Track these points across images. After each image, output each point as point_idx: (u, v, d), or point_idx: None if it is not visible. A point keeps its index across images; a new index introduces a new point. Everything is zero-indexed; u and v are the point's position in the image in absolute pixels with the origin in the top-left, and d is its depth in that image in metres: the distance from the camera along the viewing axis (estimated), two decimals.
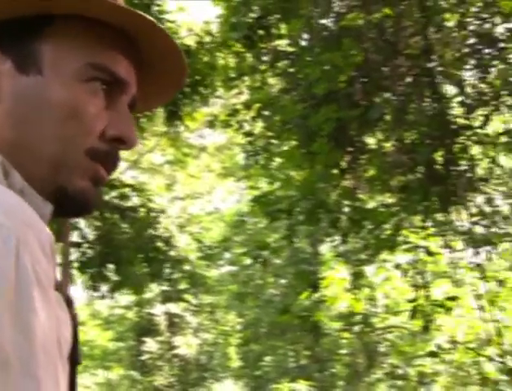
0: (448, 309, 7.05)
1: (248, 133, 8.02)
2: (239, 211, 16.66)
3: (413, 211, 7.18)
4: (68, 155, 0.88)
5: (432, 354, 7.77)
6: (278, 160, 7.69)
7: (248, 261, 14.94)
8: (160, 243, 8.34)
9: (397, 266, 7.93)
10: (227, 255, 17.68)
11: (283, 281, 12.96)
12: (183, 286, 16.17)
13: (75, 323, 0.87)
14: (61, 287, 0.87)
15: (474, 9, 7.79)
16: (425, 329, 7.12)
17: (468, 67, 7.69)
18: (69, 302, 0.87)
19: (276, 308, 11.97)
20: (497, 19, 7.72)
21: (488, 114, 7.02)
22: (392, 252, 7.55)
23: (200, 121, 10.60)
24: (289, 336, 13.66)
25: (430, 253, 7.34)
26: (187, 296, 17.74)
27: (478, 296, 7.73)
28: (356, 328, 10.45)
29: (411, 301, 7.27)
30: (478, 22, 7.75)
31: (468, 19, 7.73)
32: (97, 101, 0.90)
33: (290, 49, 8.02)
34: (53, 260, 0.84)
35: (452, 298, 7.10)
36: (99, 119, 0.90)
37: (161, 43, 0.93)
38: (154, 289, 16.47)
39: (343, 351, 11.51)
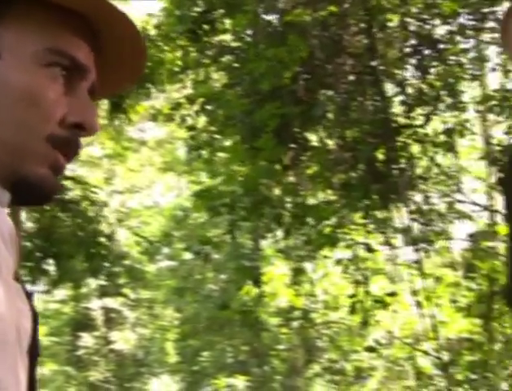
0: (387, 305, 7.17)
1: (191, 128, 7.98)
2: (179, 205, 16.59)
3: (354, 208, 7.27)
4: (27, 142, 0.85)
5: (370, 349, 7.89)
6: (221, 154, 7.68)
7: (187, 255, 14.89)
8: (102, 238, 8.24)
9: (337, 262, 8.02)
10: (167, 250, 17.58)
11: (223, 276, 12.97)
12: (121, 281, 16.01)
13: (35, 315, 0.85)
14: (21, 278, 0.84)
15: (414, 10, 7.93)
16: (364, 324, 7.23)
17: (409, 67, 7.83)
18: (28, 294, 0.84)
19: (215, 303, 11.97)
20: (437, 21, 7.87)
21: (429, 114, 7.15)
22: (333, 248, 7.63)
23: (142, 115, 10.50)
24: (227, 331, 13.69)
25: (369, 250, 7.44)
26: (125, 291, 17.58)
27: (415, 293, 7.88)
28: (295, 324, 10.54)
29: (351, 297, 7.37)
30: (418, 23, 7.88)
31: (409, 20, 7.86)
32: (56, 86, 0.87)
33: (235, 44, 8.01)
34: (12, 249, 0.82)
35: (391, 294, 7.23)
36: (59, 105, 0.87)
37: (120, 28, 0.91)
38: (91, 284, 16.27)
39: (282, 346, 11.60)
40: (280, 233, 8.03)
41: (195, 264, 14.07)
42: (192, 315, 15.68)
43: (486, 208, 8.62)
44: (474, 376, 8.13)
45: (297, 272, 8.58)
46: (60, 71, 0.88)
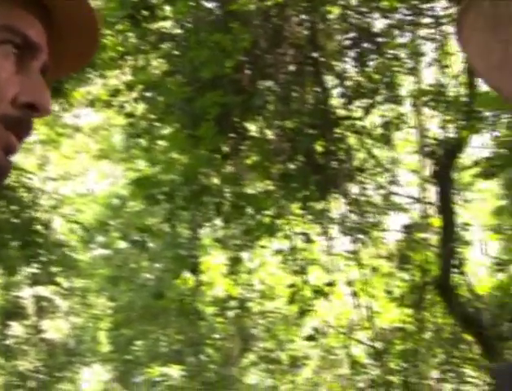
0: (326, 295, 7.26)
1: (129, 115, 7.88)
2: (114, 193, 16.38)
3: (293, 198, 7.32)
4: None
5: (310, 338, 7.98)
6: (160, 142, 7.61)
7: (122, 244, 14.73)
8: (38, 226, 8.07)
9: (276, 253, 8.07)
10: (101, 238, 17.35)
11: (159, 265, 12.88)
12: (54, 269, 15.73)
13: None
14: None
15: (354, 3, 8.01)
16: (303, 314, 7.30)
17: (348, 59, 7.91)
18: None
19: (150, 292, 11.88)
20: (376, 15, 7.98)
21: (368, 106, 7.25)
22: (271, 238, 7.68)
23: (77, 101, 10.31)
24: (162, 320, 13.62)
25: (307, 240, 7.51)
26: (58, 280, 17.28)
27: (351, 283, 7.99)
28: (232, 313, 10.56)
29: (290, 287, 7.42)
30: (358, 16, 7.97)
31: (349, 12, 7.94)
32: (8, 65, 0.84)
33: (175, 31, 7.94)
34: None
35: (330, 284, 7.32)
36: (11, 84, 0.84)
37: (73, 6, 0.88)
38: (23, 271, 15.93)
39: (217, 336, 11.61)
40: (218, 222, 8.03)
41: (130, 252, 13.94)
42: (126, 304, 15.54)
43: (419, 200, 8.81)
44: (405, 365, 8.31)
45: (235, 262, 8.60)
46: (12, 49, 0.85)
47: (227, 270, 9.21)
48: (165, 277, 10.98)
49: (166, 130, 7.45)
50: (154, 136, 7.54)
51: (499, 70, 0.92)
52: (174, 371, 12.13)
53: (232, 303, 9.97)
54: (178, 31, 7.90)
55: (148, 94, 7.69)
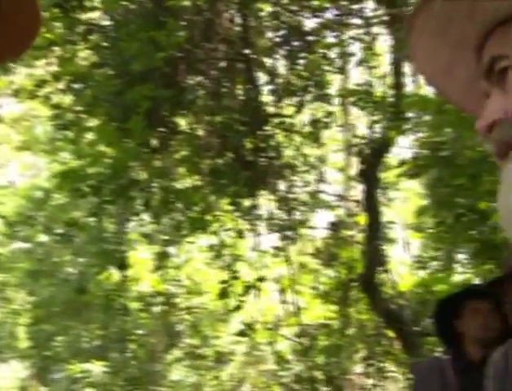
0: (258, 291, 7.29)
1: (56, 106, 7.70)
2: (37, 186, 15.99)
3: (222, 194, 7.32)
4: None
5: (241, 334, 8.00)
6: (88, 135, 7.47)
7: (44, 238, 14.40)
8: None
9: (207, 248, 8.05)
10: (22, 231, 16.91)
11: (82, 260, 12.65)
12: None
13: None
14: None
15: (285, 0, 8.06)
16: (235, 310, 7.32)
17: (278, 56, 7.95)
18: None
19: (73, 287, 11.66)
20: (307, 14, 8.05)
21: (297, 104, 7.31)
22: (201, 233, 7.65)
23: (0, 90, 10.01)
24: (84, 315, 13.38)
25: (236, 236, 7.52)
26: None
27: (278, 279, 8.06)
28: (157, 309, 10.48)
29: (221, 283, 7.42)
30: (289, 14, 8.02)
31: (280, 10, 7.98)
32: None
33: (104, 22, 7.81)
34: None
35: (260, 280, 7.35)
36: None
37: None
38: None
39: (142, 331, 11.50)
40: (146, 217, 7.95)
41: (52, 246, 13.64)
42: (47, 299, 15.20)
43: (346, 198, 8.95)
44: (329, 360, 8.44)
45: (162, 257, 8.53)
46: None
47: (154, 265, 9.14)
48: (89, 272, 10.80)
49: (94, 123, 7.31)
50: (81, 128, 7.40)
51: (445, 74, 0.94)
52: (96, 368, 11.94)
53: (158, 298, 9.90)
54: (108, 22, 7.78)
55: (76, 86, 7.53)
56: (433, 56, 0.92)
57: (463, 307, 3.13)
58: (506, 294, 2.73)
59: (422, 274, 8.69)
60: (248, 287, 7.19)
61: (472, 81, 0.94)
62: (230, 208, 7.54)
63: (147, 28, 6.35)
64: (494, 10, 0.84)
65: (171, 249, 8.83)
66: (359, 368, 8.95)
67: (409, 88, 7.83)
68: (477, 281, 7.18)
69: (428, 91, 7.85)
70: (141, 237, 9.13)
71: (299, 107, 7.35)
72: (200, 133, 7.30)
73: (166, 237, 8.28)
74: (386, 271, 7.73)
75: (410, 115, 6.78)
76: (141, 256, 9.87)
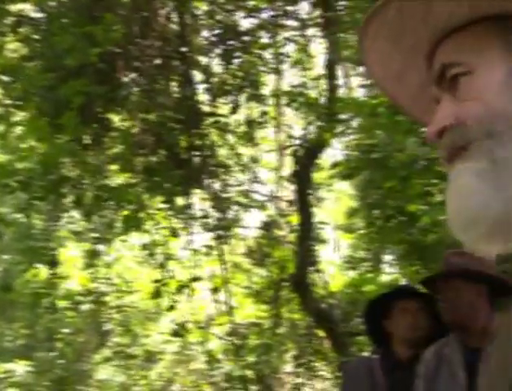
0: (191, 290, 7.26)
1: None
2: None
3: (155, 193, 7.25)
4: None
5: (175, 334, 7.94)
6: (18, 129, 7.28)
7: None
8: None
9: (138, 247, 7.96)
10: None
11: (7, 257, 12.33)
12: None
13: None
14: None
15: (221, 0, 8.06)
16: (169, 309, 7.26)
17: (214, 55, 7.94)
18: None
19: None
20: (242, 14, 8.06)
21: (234, 105, 7.31)
22: (133, 232, 7.57)
23: None
24: (8, 314, 13.05)
25: (170, 235, 7.47)
26: None
27: (210, 278, 8.05)
28: (86, 307, 10.32)
29: (155, 282, 7.35)
30: (224, 13, 8.02)
31: (216, 9, 7.97)
32: None
33: (35, 15, 7.63)
34: None
35: (194, 279, 7.32)
36: None
37: None
38: None
39: (70, 330, 11.30)
40: (76, 214, 7.82)
41: None
42: None
43: (278, 198, 9.00)
44: (259, 359, 8.47)
45: (92, 255, 8.40)
46: None
47: (84, 263, 9.00)
48: (15, 269, 10.54)
49: (24, 117, 7.14)
50: (10, 122, 7.21)
51: (397, 79, 0.95)
52: (20, 367, 11.66)
53: (87, 297, 9.75)
54: (39, 15, 7.60)
55: (5, 78, 7.33)
56: (386, 61, 0.94)
57: (392, 307, 3.18)
58: (439, 293, 2.80)
59: (352, 274, 8.82)
60: (181, 287, 7.15)
61: (423, 87, 0.95)
62: (163, 206, 7.48)
63: (81, 23, 6.24)
64: (448, 16, 0.85)
65: (102, 247, 8.70)
66: (289, 367, 9.03)
67: (343, 90, 7.94)
68: (404, 281, 7.32)
69: (360, 94, 7.99)
70: (71, 234, 8.96)
71: (235, 107, 7.35)
72: (134, 130, 7.22)
73: (97, 235, 8.16)
74: (317, 271, 7.81)
75: (343, 117, 6.86)
76: (71, 253, 9.70)
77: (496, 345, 0.78)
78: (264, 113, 8.13)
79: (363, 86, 8.61)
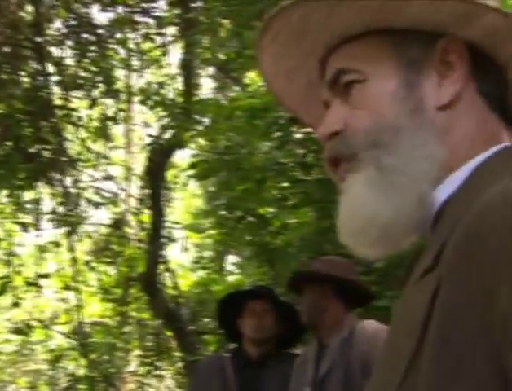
0: (39, 287, 7.01)
1: None
2: None
3: (0, 186, 6.94)
4: None
5: (19, 332, 7.61)
6: None
7: None
8: None
9: None
10: None
11: None
12: None
13: None
14: None
15: None
16: (14, 306, 6.96)
17: (67, 47, 7.70)
18: None
19: None
20: (98, 7, 7.88)
21: (87, 99, 7.14)
22: None
23: None
24: None
25: (16, 230, 7.18)
26: None
27: (56, 276, 7.82)
28: None
29: (1, 278, 7.03)
30: (78, 5, 7.80)
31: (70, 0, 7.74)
32: None
33: None
34: None
35: (42, 276, 7.07)
36: None
37: None
38: None
39: None
40: None
41: None
42: None
43: (130, 195, 8.89)
44: (104, 358, 8.33)
45: None
46: None
47: None
48: None
49: None
50: None
51: (287, 77, 0.98)
52: None
53: None
54: None
55: None
56: (280, 60, 0.95)
57: (244, 307, 3.25)
58: (301, 294, 2.91)
59: (201, 274, 8.87)
60: (28, 284, 6.89)
61: (310, 88, 0.98)
62: (8, 200, 7.17)
63: None
64: (348, 23, 0.88)
65: None
66: (133, 366, 8.94)
67: (199, 91, 7.96)
68: (250, 282, 7.45)
69: (215, 96, 8.04)
70: None
71: (91, 102, 7.18)
72: None
73: None
74: (167, 271, 7.80)
75: (200, 118, 6.88)
76: None
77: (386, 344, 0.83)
78: (118, 110, 8.00)
79: (217, 88, 8.70)
